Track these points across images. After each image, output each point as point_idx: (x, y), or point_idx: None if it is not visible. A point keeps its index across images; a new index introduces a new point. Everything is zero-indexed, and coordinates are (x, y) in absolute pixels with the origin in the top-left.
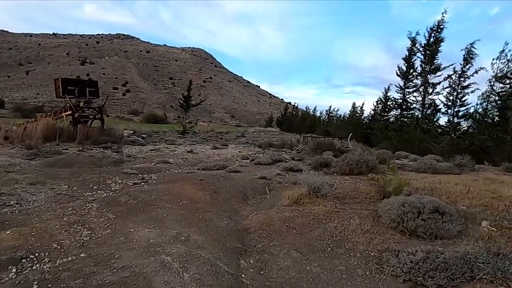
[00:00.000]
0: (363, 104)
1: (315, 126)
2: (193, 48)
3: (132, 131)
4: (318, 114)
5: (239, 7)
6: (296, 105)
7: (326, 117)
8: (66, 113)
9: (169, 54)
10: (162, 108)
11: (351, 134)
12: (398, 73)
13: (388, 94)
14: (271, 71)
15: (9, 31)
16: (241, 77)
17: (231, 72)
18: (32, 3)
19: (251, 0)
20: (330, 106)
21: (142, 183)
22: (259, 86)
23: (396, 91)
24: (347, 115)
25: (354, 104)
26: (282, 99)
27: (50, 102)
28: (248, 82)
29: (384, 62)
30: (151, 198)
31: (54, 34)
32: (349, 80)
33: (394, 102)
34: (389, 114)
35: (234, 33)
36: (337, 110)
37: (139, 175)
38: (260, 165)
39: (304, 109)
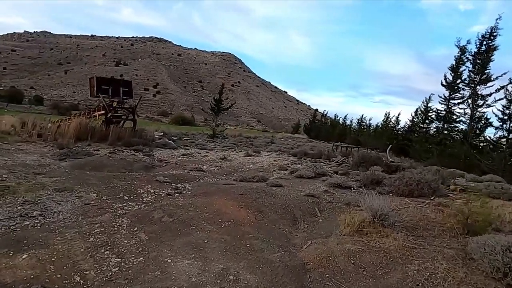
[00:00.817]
0: (399, 114)
1: (345, 134)
2: (223, 52)
3: (162, 133)
4: (348, 122)
5: (269, 12)
6: (325, 112)
7: (357, 126)
8: (99, 112)
9: (199, 57)
10: (190, 110)
11: (390, 146)
12: (444, 83)
13: (429, 104)
14: (299, 77)
15: (51, 32)
16: (269, 82)
17: (259, 77)
18: (73, 6)
19: (280, 6)
20: (362, 115)
21: (176, 194)
22: (286, 92)
23: (440, 102)
24: (380, 125)
25: (387, 113)
26: (309, 106)
27: (85, 101)
28: (276, 87)
29: (415, 71)
30: (188, 216)
31: (92, 35)
32: (378, 88)
33: (436, 114)
34: (429, 126)
35: (262, 38)
36: (370, 119)
37: (173, 184)
38: (302, 178)
39: (333, 117)
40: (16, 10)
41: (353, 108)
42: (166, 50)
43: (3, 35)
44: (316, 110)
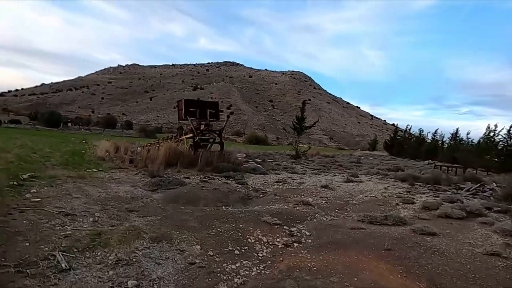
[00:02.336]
0: (495, 126)
1: (435, 151)
2: (292, 71)
3: (244, 154)
4: (438, 137)
5: (340, 29)
6: (409, 127)
7: (451, 141)
8: (187, 136)
9: (270, 77)
10: (262, 129)
11: None
12: None
13: None
14: (373, 92)
15: (139, 64)
16: (340, 98)
17: (330, 94)
18: (157, 38)
19: (352, 22)
20: (457, 129)
21: (295, 244)
22: (359, 107)
23: None
24: (482, 139)
25: (488, 126)
26: (384, 121)
27: (166, 124)
28: (348, 103)
29: (509, 77)
30: None
31: (173, 64)
32: (465, 99)
33: None
34: None
35: (334, 55)
36: (468, 133)
37: (285, 227)
38: (449, 219)
39: (417, 132)
40: (112, 48)
41: (435, 121)
42: (238, 73)
43: (102, 69)
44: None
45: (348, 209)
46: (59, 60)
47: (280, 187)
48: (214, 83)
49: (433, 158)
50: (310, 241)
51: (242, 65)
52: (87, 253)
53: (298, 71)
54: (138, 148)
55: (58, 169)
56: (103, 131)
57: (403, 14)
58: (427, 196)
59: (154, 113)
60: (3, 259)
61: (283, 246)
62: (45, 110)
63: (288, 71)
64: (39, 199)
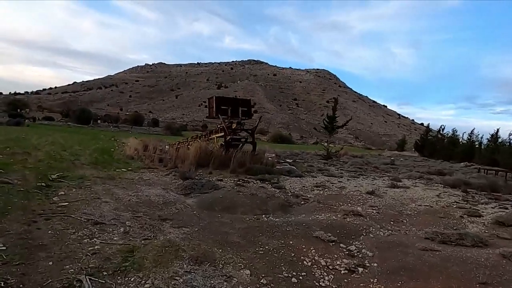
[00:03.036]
0: None
1: (472, 153)
2: (317, 69)
3: (274, 154)
4: (474, 138)
5: (369, 26)
6: (442, 127)
7: (491, 142)
8: (217, 135)
9: (294, 76)
10: (286, 128)
11: None
12: None
13: None
14: (401, 91)
15: (166, 63)
16: (366, 97)
17: (355, 92)
18: (184, 38)
19: (380, 19)
20: (498, 129)
21: (360, 269)
22: (386, 106)
23: None
24: None
25: None
26: (412, 120)
27: (192, 122)
28: (374, 102)
29: None
30: None
31: (198, 63)
32: (500, 98)
33: None
34: None
35: (361, 53)
36: (511, 134)
37: (341, 246)
38: None
39: (451, 132)
40: (142, 48)
41: (466, 120)
42: (262, 71)
43: (130, 68)
44: (422, 124)
45: (404, 221)
46: (91, 60)
47: (321, 192)
48: (239, 81)
49: (469, 160)
50: (375, 264)
51: (266, 63)
52: (118, 278)
53: (323, 69)
54: (166, 146)
55: (87, 168)
56: (131, 128)
57: (434, 10)
58: (492, 207)
59: (179, 111)
60: (21, 286)
61: (346, 271)
62: (76, 107)
63: (313, 69)
64: (67, 203)
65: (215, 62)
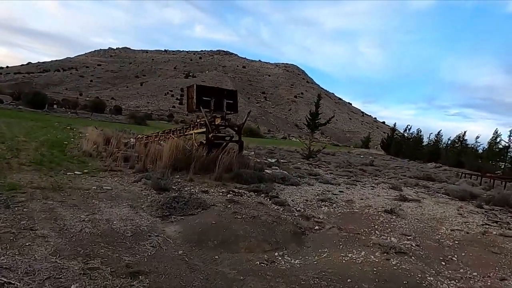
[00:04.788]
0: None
1: (437, 153)
2: (286, 64)
3: (253, 152)
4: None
5: (339, 24)
6: (409, 127)
7: (457, 144)
8: (196, 131)
9: (263, 69)
10: (254, 121)
11: None
12: None
13: None
14: (367, 89)
15: (131, 48)
16: (333, 93)
17: (322, 88)
18: (152, 25)
19: (351, 17)
20: (465, 132)
21: None
22: (351, 104)
23: None
24: (489, 144)
25: (496, 130)
26: (375, 118)
27: (157, 111)
28: (340, 99)
29: (502, 82)
30: None
31: (165, 50)
32: (456, 100)
33: None
34: None
35: (331, 50)
36: (478, 137)
37: None
38: None
39: (415, 132)
40: (108, 32)
41: (423, 121)
42: (232, 63)
43: (92, 51)
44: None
45: (453, 258)
46: (51, 41)
47: (331, 210)
48: (207, 71)
49: (435, 160)
50: None
51: (236, 55)
52: None
53: (292, 64)
54: (132, 139)
55: (27, 171)
56: (91, 115)
57: (403, 11)
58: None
59: (144, 99)
60: None
61: None
62: (29, 90)
63: (282, 63)
64: None
65: (183, 51)
